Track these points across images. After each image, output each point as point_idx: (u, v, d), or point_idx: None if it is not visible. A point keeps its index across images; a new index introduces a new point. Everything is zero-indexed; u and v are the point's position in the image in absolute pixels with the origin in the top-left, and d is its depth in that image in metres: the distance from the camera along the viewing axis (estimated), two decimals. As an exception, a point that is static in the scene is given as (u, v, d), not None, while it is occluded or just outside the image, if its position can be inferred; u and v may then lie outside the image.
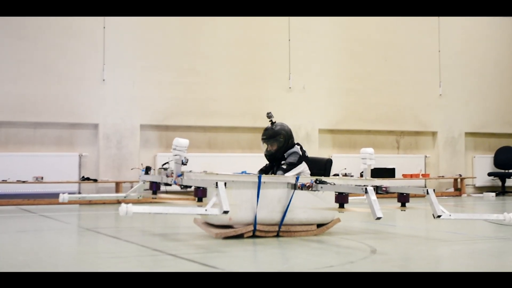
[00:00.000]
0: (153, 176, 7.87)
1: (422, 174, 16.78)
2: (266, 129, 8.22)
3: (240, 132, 15.52)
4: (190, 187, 6.97)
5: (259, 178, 7.28)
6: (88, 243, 7.63)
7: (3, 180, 13.13)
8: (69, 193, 13.57)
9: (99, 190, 14.06)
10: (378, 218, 6.51)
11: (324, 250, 6.74)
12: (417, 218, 11.24)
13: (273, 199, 7.39)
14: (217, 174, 7.25)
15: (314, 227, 7.74)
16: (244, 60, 15.52)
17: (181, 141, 7.12)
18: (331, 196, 7.23)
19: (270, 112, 8.18)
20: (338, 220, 7.98)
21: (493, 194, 16.85)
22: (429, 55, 17.47)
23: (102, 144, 14.19)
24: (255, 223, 7.32)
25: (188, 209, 6.82)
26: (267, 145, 8.16)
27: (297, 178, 7.39)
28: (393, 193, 7.59)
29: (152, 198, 8.20)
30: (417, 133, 17.45)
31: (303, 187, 7.21)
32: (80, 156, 13.99)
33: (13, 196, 13.34)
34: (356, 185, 7.13)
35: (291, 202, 7.42)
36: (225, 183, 6.57)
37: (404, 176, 16.37)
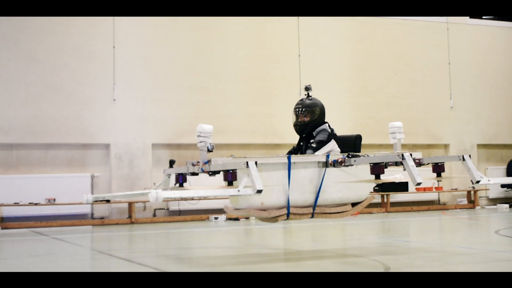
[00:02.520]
0: (178, 168, 7.58)
1: (435, 187, 16.68)
2: (302, 99, 8.00)
3: (252, 148, 15.47)
4: (218, 173, 6.76)
5: (289, 158, 6.98)
6: (101, 267, 7.56)
7: (15, 203, 13.13)
8: (82, 214, 13.75)
9: (112, 211, 14.04)
10: (418, 184, 6.36)
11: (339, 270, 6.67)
12: (431, 233, 11.16)
13: (305, 180, 7.12)
14: (245, 157, 6.78)
15: (349, 206, 7.54)
16: (255, 77, 15.50)
17: (205, 127, 6.86)
18: (364, 172, 7.07)
19: (309, 85, 8.02)
20: (373, 197, 7.78)
21: (507, 205, 16.75)
22: (439, 68, 17.41)
23: (114, 164, 14.17)
24: (288, 206, 7.06)
25: (220, 191, 6.65)
26: (301, 115, 7.90)
27: (327, 156, 7.11)
28: (427, 164, 7.18)
29: None
30: (429, 146, 17.37)
31: (335, 163, 6.97)
32: (92, 177, 13.97)
33: (25, 218, 13.33)
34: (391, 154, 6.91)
35: (323, 181, 7.15)
36: (255, 162, 6.38)
37: (418, 189, 16.27)
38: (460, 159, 7.01)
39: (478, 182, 6.86)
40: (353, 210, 7.59)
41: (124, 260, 7.93)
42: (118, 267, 7.32)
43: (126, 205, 14.00)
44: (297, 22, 15.97)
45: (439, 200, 17.17)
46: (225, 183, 6.65)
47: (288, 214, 7.11)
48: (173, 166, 7.80)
